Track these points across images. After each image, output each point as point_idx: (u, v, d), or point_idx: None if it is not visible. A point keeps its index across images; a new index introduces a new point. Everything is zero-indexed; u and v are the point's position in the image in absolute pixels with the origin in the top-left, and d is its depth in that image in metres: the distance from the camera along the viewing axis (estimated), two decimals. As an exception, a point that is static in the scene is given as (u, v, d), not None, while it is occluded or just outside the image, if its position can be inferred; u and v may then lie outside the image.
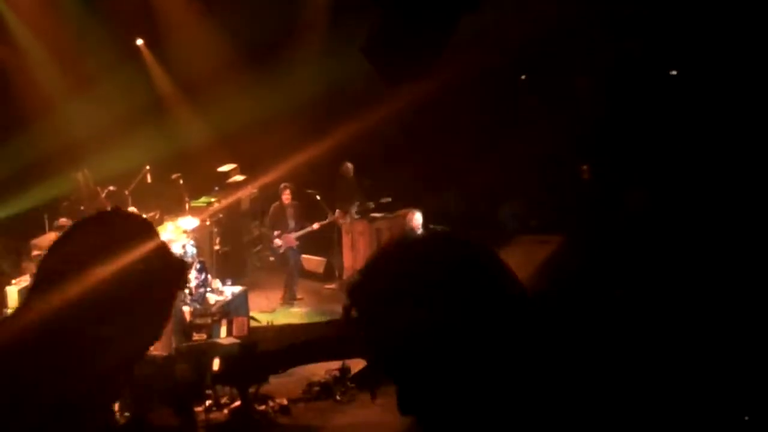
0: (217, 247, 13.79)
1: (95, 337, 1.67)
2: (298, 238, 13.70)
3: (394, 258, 1.59)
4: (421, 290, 1.51)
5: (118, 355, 1.70)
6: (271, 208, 13.98)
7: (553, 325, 1.53)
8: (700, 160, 13.01)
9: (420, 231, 11.56)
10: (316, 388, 9.98)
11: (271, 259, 14.53)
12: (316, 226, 13.77)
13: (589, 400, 1.51)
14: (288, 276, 13.71)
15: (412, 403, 1.52)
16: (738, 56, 13.71)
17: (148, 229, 1.80)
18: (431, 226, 11.77)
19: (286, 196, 13.75)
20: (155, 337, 1.79)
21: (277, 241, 13.64)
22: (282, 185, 13.94)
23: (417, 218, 12.00)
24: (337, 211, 14.21)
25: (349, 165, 14.48)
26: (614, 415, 1.52)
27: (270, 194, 14.67)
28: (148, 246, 1.76)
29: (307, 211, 13.99)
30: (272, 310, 12.95)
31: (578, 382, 1.51)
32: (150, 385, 8.80)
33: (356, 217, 14.10)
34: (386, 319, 1.53)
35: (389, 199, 14.05)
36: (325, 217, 14.00)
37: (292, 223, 13.71)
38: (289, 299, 13.49)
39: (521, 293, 1.56)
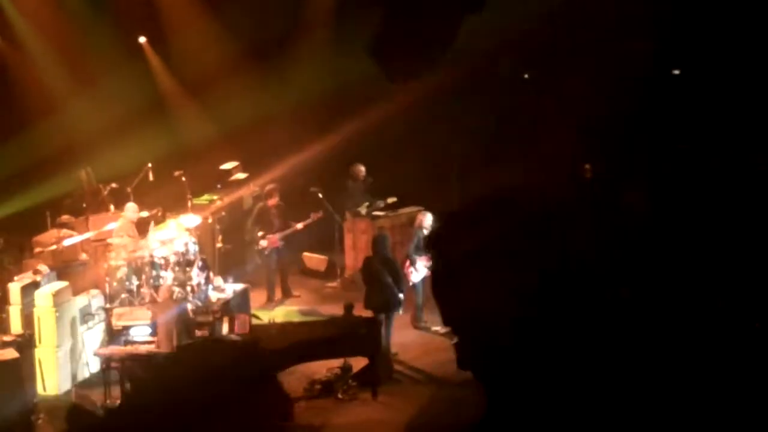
0: (219, 245, 13.80)
1: None
2: (284, 238, 13.63)
3: (478, 215, 1.63)
4: (502, 250, 1.55)
5: None
6: (256, 209, 13.90)
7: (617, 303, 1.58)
8: (700, 159, 13.03)
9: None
10: (318, 386, 10.00)
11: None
12: (300, 225, 13.63)
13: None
14: (268, 276, 13.64)
15: (472, 359, 1.56)
16: (739, 57, 13.74)
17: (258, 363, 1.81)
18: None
19: (272, 197, 13.71)
20: None
21: (263, 242, 13.57)
22: (268, 186, 13.88)
23: (428, 219, 12.02)
24: (347, 213, 14.19)
25: (362, 168, 14.36)
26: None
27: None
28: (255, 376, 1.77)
29: (308, 210, 13.94)
30: (273, 308, 12.98)
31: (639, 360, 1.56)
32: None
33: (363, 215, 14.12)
34: (465, 272, 1.57)
35: (395, 199, 14.05)
36: (320, 217, 13.89)
37: (276, 223, 13.65)
38: (271, 298, 13.45)
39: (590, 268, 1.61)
